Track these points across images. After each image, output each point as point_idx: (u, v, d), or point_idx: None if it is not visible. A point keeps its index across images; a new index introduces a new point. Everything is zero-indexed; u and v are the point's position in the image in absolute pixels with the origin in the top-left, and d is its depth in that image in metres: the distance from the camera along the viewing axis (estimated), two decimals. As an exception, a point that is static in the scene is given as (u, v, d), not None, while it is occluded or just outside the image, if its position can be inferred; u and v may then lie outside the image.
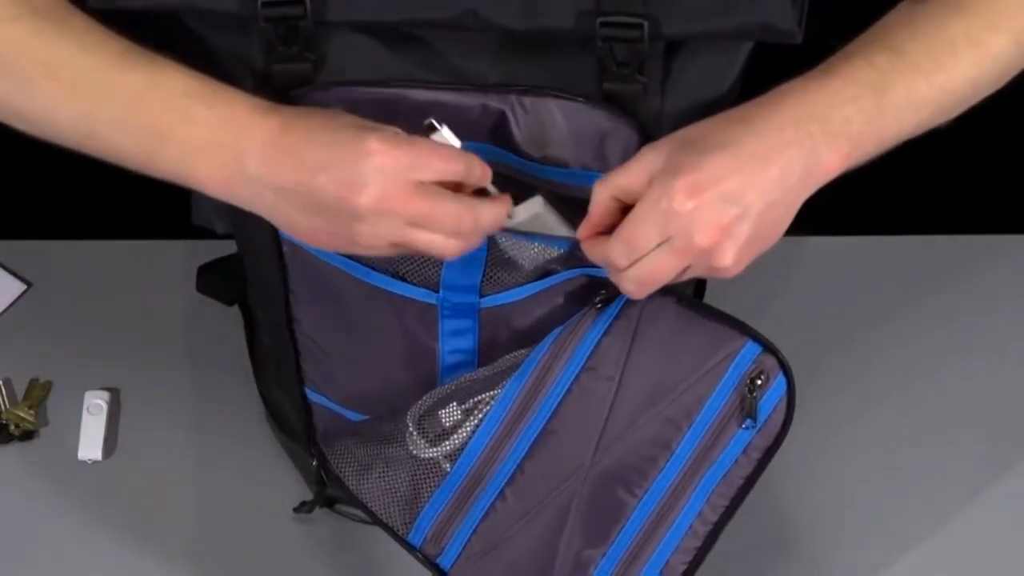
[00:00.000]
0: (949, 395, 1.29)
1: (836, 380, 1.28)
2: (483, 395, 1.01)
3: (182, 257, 1.34)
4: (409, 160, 0.85)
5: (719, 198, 0.86)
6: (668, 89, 0.92)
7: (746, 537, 1.12)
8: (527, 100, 0.92)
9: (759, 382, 0.97)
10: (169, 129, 0.87)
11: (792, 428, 0.99)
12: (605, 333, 0.99)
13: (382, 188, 0.85)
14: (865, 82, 0.88)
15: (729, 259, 0.88)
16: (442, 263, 0.97)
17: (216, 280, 1.28)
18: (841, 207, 1.34)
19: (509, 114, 0.92)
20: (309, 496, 1.20)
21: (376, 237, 0.87)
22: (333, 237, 0.88)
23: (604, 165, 0.93)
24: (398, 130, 0.87)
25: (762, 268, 1.21)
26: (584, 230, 0.91)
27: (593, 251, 0.91)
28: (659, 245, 0.87)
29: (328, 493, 1.19)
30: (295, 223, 0.88)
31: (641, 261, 0.88)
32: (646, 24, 0.87)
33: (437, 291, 0.99)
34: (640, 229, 0.87)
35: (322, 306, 1.04)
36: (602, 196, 0.89)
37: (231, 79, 0.94)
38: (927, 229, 1.38)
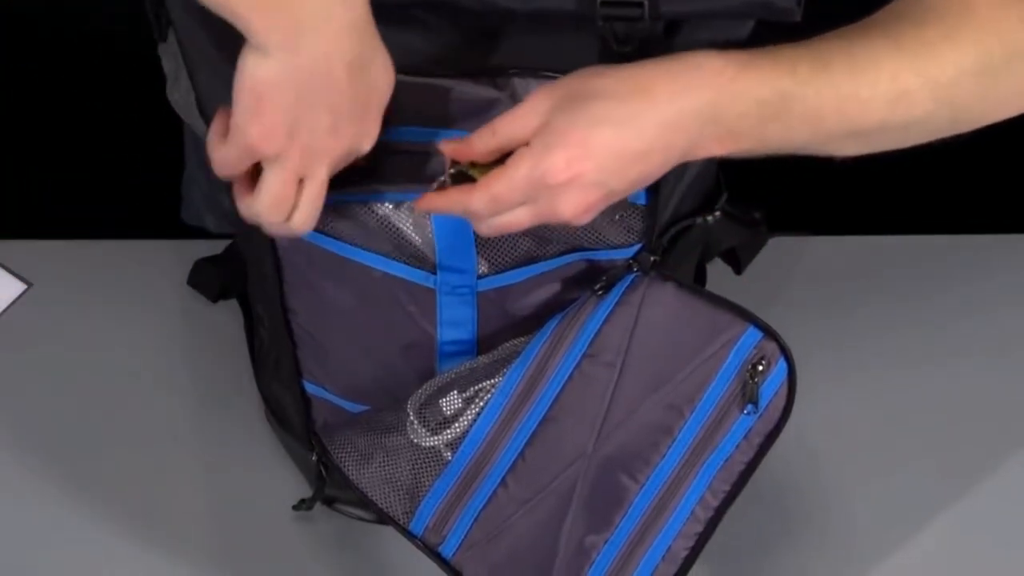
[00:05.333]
0: (948, 393, 1.29)
1: (832, 377, 1.28)
2: (484, 383, 1.01)
3: (182, 257, 1.34)
4: None
5: (591, 179, 0.87)
6: None
7: (747, 522, 1.12)
8: (529, 82, 0.92)
9: (760, 368, 0.97)
10: None
11: (792, 414, 0.99)
12: (606, 320, 0.99)
13: None
14: (778, 88, 0.87)
15: (582, 222, 0.90)
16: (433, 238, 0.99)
17: (205, 275, 1.29)
18: (841, 207, 1.35)
19: (511, 100, 0.92)
20: (309, 494, 1.19)
21: None
22: None
23: None
24: None
25: (762, 268, 1.23)
26: (453, 150, 0.91)
27: (450, 201, 0.91)
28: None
29: (328, 493, 1.19)
30: None
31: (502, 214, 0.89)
32: (646, 2, 0.87)
33: (434, 273, 1.00)
34: (510, 189, 0.88)
35: (318, 295, 1.04)
36: (490, 146, 0.89)
37: (232, 60, 0.94)
38: (927, 229, 1.39)
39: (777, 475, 1.20)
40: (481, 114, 0.93)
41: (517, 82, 0.92)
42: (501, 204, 0.89)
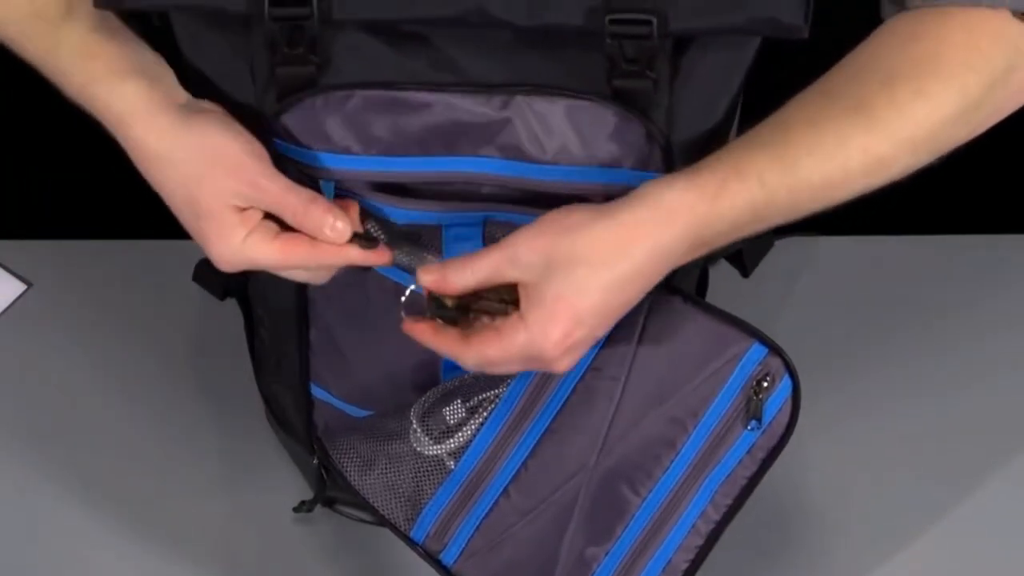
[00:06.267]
0: (951, 394, 1.29)
1: (838, 379, 1.28)
2: (488, 393, 1.01)
3: (182, 257, 1.32)
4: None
5: (582, 342, 0.90)
6: (677, 86, 0.91)
7: (748, 536, 1.12)
8: (534, 100, 0.91)
9: (765, 384, 0.97)
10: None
11: (796, 429, 0.99)
12: (611, 334, 0.99)
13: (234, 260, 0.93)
14: (750, 203, 0.88)
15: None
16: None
17: (212, 272, 1.28)
18: (846, 207, 1.34)
19: (516, 119, 0.91)
20: (309, 496, 1.19)
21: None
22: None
23: (613, 163, 0.93)
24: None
25: (768, 269, 1.22)
26: (431, 282, 0.92)
27: (442, 343, 0.93)
28: None
29: (328, 494, 1.19)
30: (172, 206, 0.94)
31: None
32: (655, 20, 0.86)
33: None
34: (503, 355, 0.90)
35: (335, 297, 1.04)
36: (468, 287, 0.91)
37: (234, 82, 0.94)
38: (927, 229, 1.38)
39: (779, 488, 1.20)
40: (492, 139, 0.92)
41: (521, 100, 0.91)
42: (492, 365, 0.91)
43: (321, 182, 0.95)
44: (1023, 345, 1.33)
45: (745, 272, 1.21)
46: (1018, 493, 1.24)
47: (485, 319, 0.92)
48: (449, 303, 0.92)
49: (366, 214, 0.95)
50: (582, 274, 0.87)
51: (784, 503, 1.22)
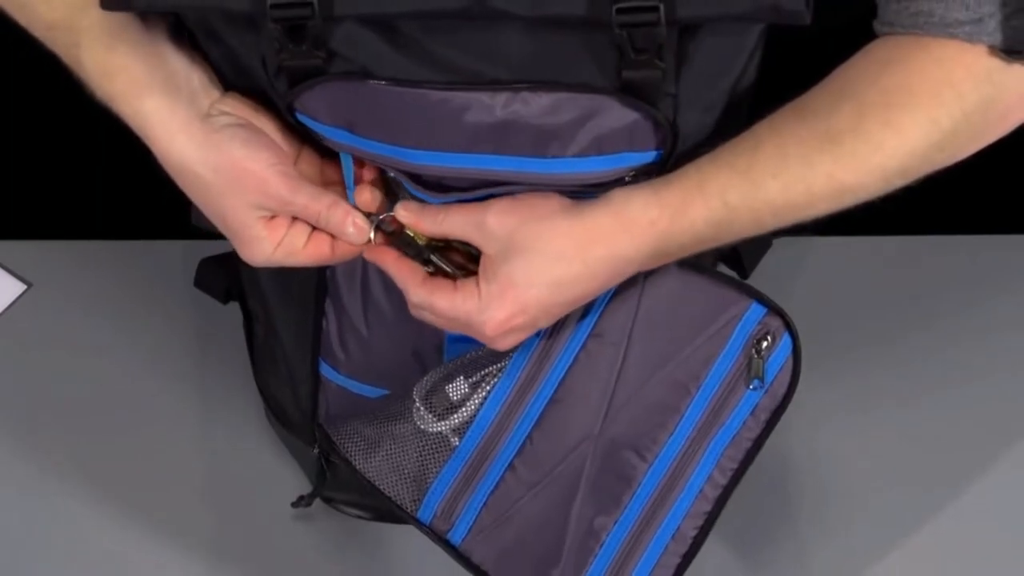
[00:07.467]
0: (950, 394, 1.30)
1: (837, 378, 1.29)
2: (490, 368, 1.01)
3: (182, 257, 1.34)
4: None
5: (522, 327, 0.93)
6: (682, 74, 0.90)
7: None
8: (540, 96, 0.88)
9: (765, 344, 0.97)
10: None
11: (794, 408, 0.98)
12: (610, 299, 0.99)
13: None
14: (712, 220, 0.90)
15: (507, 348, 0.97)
16: None
17: (213, 276, 1.28)
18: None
19: (522, 116, 0.89)
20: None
21: None
22: None
23: (619, 151, 0.91)
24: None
25: (764, 268, 1.23)
26: (406, 218, 0.95)
27: (399, 273, 0.96)
28: None
29: (327, 493, 1.18)
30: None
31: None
32: (662, 7, 0.85)
33: None
34: (448, 311, 0.93)
35: (347, 270, 1.04)
36: (434, 233, 0.95)
37: (248, 70, 0.94)
38: (927, 229, 1.39)
39: (776, 488, 1.21)
40: (498, 136, 0.90)
41: (528, 96, 0.88)
42: (434, 313, 0.94)
43: (341, 154, 0.95)
44: (1023, 345, 1.33)
45: (744, 273, 1.21)
46: (1018, 492, 1.24)
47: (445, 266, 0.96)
48: (421, 241, 0.96)
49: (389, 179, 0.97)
50: (535, 264, 0.90)
51: (782, 505, 1.22)
